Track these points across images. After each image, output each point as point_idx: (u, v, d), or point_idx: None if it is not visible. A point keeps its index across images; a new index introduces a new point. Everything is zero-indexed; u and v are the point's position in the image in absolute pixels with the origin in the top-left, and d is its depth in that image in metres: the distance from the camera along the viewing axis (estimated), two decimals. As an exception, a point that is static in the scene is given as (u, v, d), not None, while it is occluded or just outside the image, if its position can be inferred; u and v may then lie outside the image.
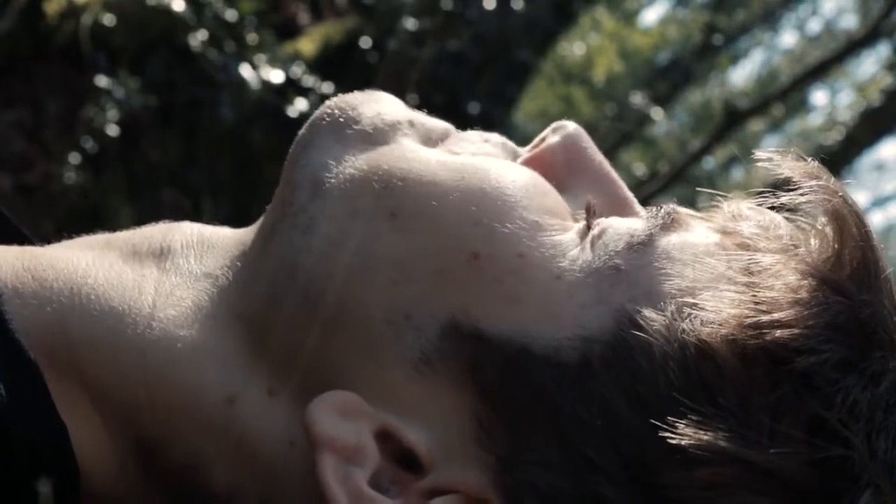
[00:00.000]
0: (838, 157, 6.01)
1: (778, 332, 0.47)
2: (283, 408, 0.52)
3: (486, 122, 4.73)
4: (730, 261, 0.50)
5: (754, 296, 0.48)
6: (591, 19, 8.28)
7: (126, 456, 0.51)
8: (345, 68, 4.29)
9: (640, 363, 0.48)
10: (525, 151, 0.59)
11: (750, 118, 6.63)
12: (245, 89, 3.59)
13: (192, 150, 3.99)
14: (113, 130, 3.61)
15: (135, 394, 0.52)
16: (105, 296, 0.54)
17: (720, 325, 0.48)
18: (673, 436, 0.45)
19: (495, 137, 0.59)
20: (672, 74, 9.31)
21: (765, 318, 0.47)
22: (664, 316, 0.48)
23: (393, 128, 0.57)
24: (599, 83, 9.02)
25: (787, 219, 0.52)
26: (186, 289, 0.55)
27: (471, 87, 4.88)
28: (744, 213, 0.52)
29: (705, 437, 0.45)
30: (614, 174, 0.57)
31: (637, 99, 8.24)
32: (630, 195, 0.57)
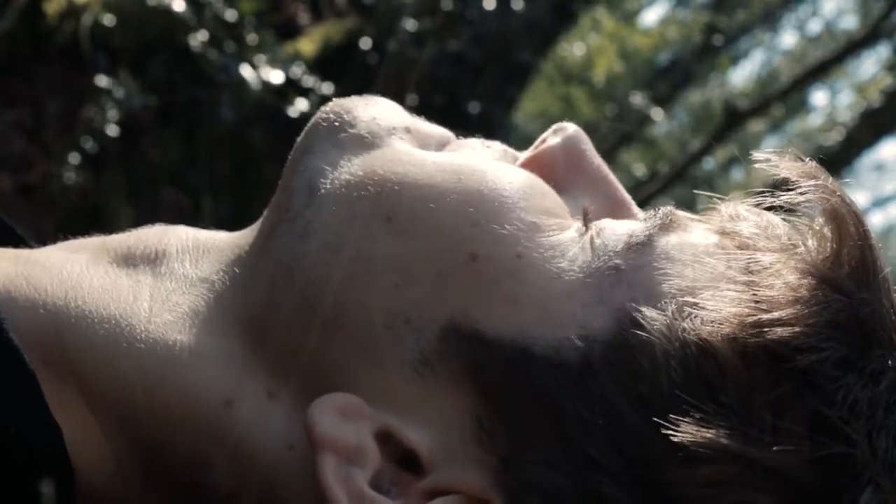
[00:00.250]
0: (838, 158, 6.01)
1: (779, 331, 0.47)
2: (283, 410, 0.52)
3: (487, 123, 4.74)
4: (729, 260, 0.51)
5: (754, 294, 0.49)
6: (591, 20, 8.28)
7: (124, 457, 0.51)
8: (345, 69, 4.30)
9: (642, 362, 0.48)
10: (525, 154, 0.59)
11: (750, 119, 6.63)
12: (245, 89, 3.59)
13: (192, 150, 3.99)
14: (113, 130, 3.62)
15: (133, 396, 0.52)
16: (100, 301, 0.54)
17: (721, 323, 0.48)
18: (675, 434, 0.46)
19: (497, 145, 0.59)
20: (672, 75, 9.31)
21: (765, 316, 0.48)
22: (665, 315, 0.49)
23: (388, 132, 0.57)
24: (599, 83, 9.02)
25: (784, 219, 0.52)
26: (182, 294, 0.55)
27: (471, 88, 4.88)
28: (741, 214, 0.53)
29: (707, 435, 0.45)
30: (612, 177, 0.58)
31: (637, 99, 8.24)
32: (628, 197, 0.57)
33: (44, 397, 0.49)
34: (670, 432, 0.46)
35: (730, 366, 0.47)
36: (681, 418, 0.46)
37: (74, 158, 3.68)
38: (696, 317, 0.48)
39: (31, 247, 0.60)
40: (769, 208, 0.53)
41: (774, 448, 0.46)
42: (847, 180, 0.54)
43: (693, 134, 9.65)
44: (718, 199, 0.55)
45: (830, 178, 0.52)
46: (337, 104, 0.59)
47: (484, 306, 0.50)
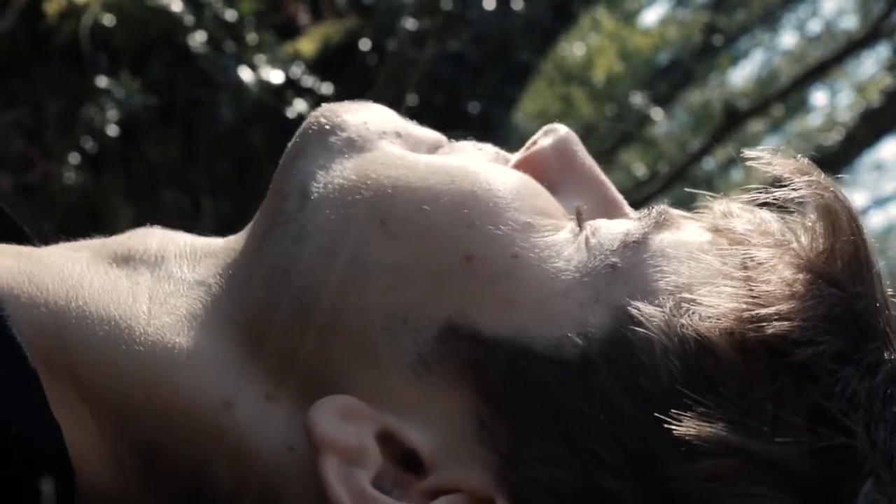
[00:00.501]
0: (838, 158, 6.02)
1: (776, 325, 0.48)
2: (282, 413, 0.52)
3: (486, 123, 4.74)
4: (725, 257, 0.51)
5: (751, 290, 0.49)
6: (591, 20, 8.28)
7: (123, 458, 0.52)
8: (344, 69, 4.30)
9: (641, 358, 0.48)
10: (517, 155, 0.59)
11: (750, 119, 6.63)
12: (244, 90, 3.59)
13: (192, 150, 3.99)
14: (113, 130, 3.62)
15: (132, 397, 0.52)
16: (101, 302, 0.54)
17: (719, 319, 0.48)
18: (676, 428, 0.46)
19: (489, 147, 0.60)
20: (672, 75, 9.31)
21: (762, 311, 0.48)
22: (663, 311, 0.49)
23: (379, 136, 0.57)
24: (599, 83, 9.01)
25: (778, 216, 0.52)
26: (180, 296, 0.55)
27: (471, 88, 4.88)
28: (734, 211, 0.53)
29: (708, 429, 0.46)
30: (604, 177, 0.58)
31: (637, 99, 8.24)
32: (620, 197, 0.58)
33: (45, 396, 0.49)
34: (671, 427, 0.46)
35: (729, 360, 0.47)
36: (681, 413, 0.46)
37: (74, 158, 3.68)
38: (693, 313, 0.49)
39: (34, 244, 0.60)
40: (763, 205, 0.53)
41: (775, 440, 0.46)
42: (846, 179, 0.54)
43: (693, 134, 9.66)
44: (712, 197, 0.55)
45: (823, 175, 0.52)
46: (327, 108, 0.59)
47: (481, 306, 0.51)
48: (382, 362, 0.51)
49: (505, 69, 5.13)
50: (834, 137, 6.51)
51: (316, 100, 3.50)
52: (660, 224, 0.53)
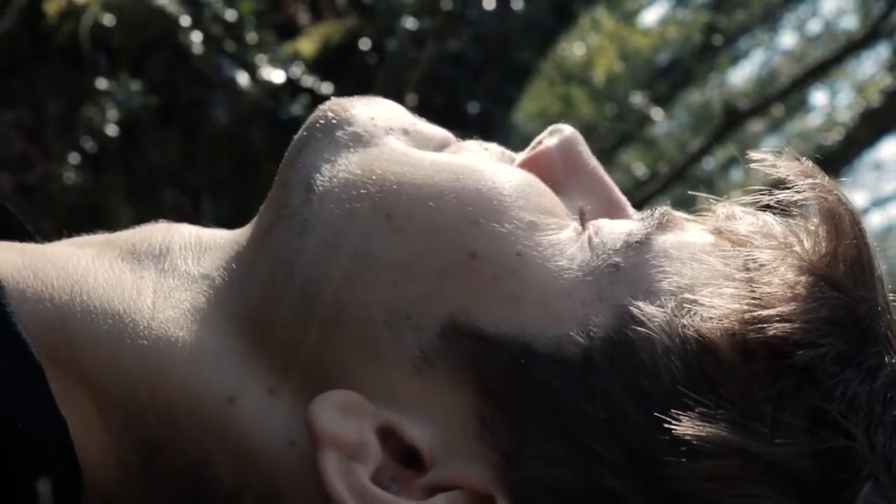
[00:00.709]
0: (838, 158, 6.02)
1: (777, 327, 0.48)
2: (284, 407, 0.52)
3: (486, 123, 4.74)
4: (727, 258, 0.51)
5: (753, 291, 0.49)
6: (590, 20, 8.27)
7: (127, 454, 0.52)
8: (344, 68, 4.30)
9: (643, 358, 0.48)
10: (522, 155, 0.60)
11: (750, 118, 6.63)
12: (240, 90, 3.59)
13: (192, 150, 3.99)
14: (113, 130, 3.61)
15: (136, 392, 0.52)
16: (105, 296, 0.54)
17: (720, 320, 0.48)
18: (677, 428, 0.46)
19: (494, 147, 0.60)
20: (672, 75, 9.31)
21: (764, 312, 0.48)
22: (664, 312, 0.49)
23: (386, 132, 0.57)
24: (599, 83, 9.01)
25: (780, 218, 0.52)
26: (184, 290, 0.55)
27: (471, 88, 4.88)
28: (737, 213, 0.53)
29: (709, 430, 0.46)
30: (608, 178, 0.58)
31: (637, 99, 8.25)
32: (623, 198, 0.58)
33: (51, 392, 0.49)
34: (672, 426, 0.46)
35: (730, 361, 0.47)
36: (682, 413, 0.46)
37: (74, 158, 3.68)
38: (695, 313, 0.49)
39: (37, 241, 0.60)
40: (766, 207, 0.53)
41: (776, 441, 0.46)
42: (846, 180, 0.54)
43: (693, 134, 9.66)
44: (715, 199, 0.55)
45: (827, 177, 0.52)
46: (335, 102, 0.59)
47: (484, 304, 0.51)
48: (384, 357, 0.51)
49: (505, 69, 5.13)
50: (834, 137, 6.51)
51: (316, 100, 3.50)
52: (662, 225, 0.53)
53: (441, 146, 0.59)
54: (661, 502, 0.47)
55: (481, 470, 0.49)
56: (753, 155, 0.54)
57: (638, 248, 0.52)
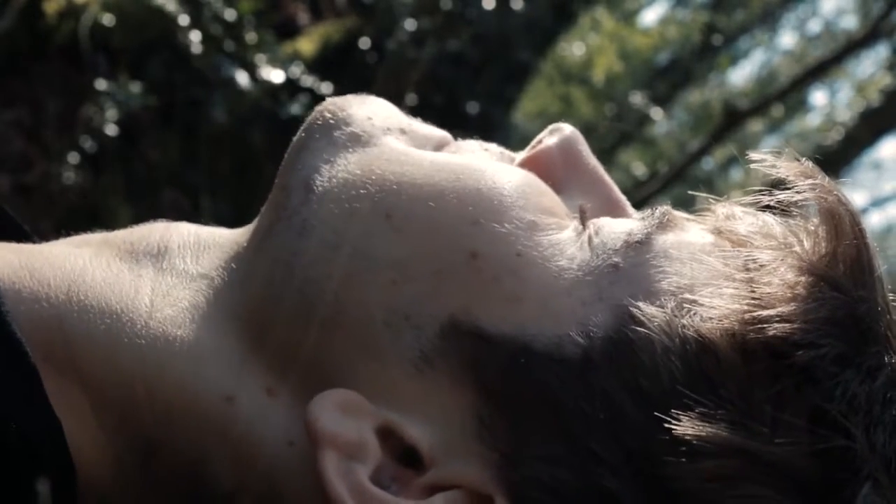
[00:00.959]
0: (837, 157, 6.02)
1: (777, 327, 0.48)
2: (283, 407, 0.52)
3: (486, 123, 4.74)
4: (727, 258, 0.51)
5: (753, 292, 0.49)
6: (590, 19, 8.27)
7: (123, 453, 0.51)
8: (344, 68, 4.29)
9: (642, 358, 0.48)
10: (522, 154, 0.60)
11: (749, 118, 6.64)
12: (239, 91, 3.59)
13: (192, 150, 3.98)
14: (112, 130, 3.61)
15: (133, 391, 0.52)
16: (102, 295, 0.54)
17: (720, 320, 0.48)
18: (676, 428, 0.46)
19: (494, 147, 0.60)
20: (671, 74, 9.31)
21: (764, 313, 0.48)
22: (664, 312, 0.49)
23: (384, 131, 0.57)
24: (599, 83, 9.01)
25: (780, 219, 0.52)
26: (183, 289, 0.55)
27: (470, 88, 4.88)
28: (737, 214, 0.54)
29: (709, 430, 0.46)
30: (608, 177, 0.58)
31: (636, 99, 8.25)
32: (623, 198, 0.58)
33: (45, 392, 0.49)
34: (671, 426, 0.46)
35: (729, 361, 0.47)
36: (682, 413, 0.46)
37: (73, 158, 3.68)
38: (695, 313, 0.49)
39: (34, 242, 0.60)
40: (766, 208, 0.53)
41: (776, 441, 0.46)
42: (845, 180, 0.54)
43: (692, 134, 9.66)
44: (714, 199, 0.55)
45: (827, 178, 0.52)
46: (332, 102, 0.59)
47: (485, 304, 0.51)
48: (384, 357, 0.51)
49: (504, 69, 5.13)
50: (833, 137, 6.50)
51: (315, 99, 3.50)
52: (663, 225, 0.53)
53: (439, 146, 0.59)
54: (661, 503, 0.47)
55: (480, 469, 0.49)
56: (753, 155, 0.54)
57: (638, 247, 0.52)
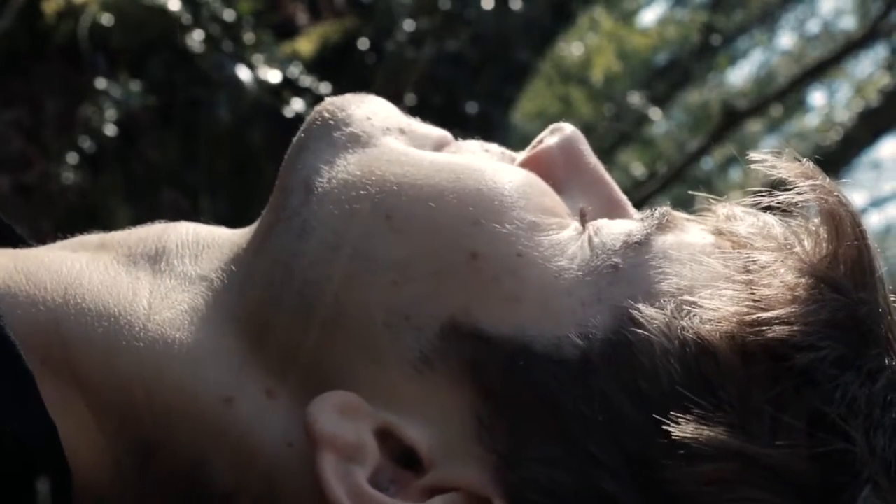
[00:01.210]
0: (836, 158, 6.02)
1: (777, 329, 0.48)
2: (282, 409, 0.52)
3: (485, 123, 4.74)
4: (727, 260, 0.51)
5: (752, 293, 0.49)
6: (589, 19, 8.27)
7: (122, 455, 0.51)
8: (343, 69, 4.29)
9: (641, 360, 0.48)
10: (523, 154, 0.59)
11: (748, 118, 6.63)
12: (242, 90, 3.59)
13: (191, 150, 3.98)
14: (111, 130, 3.61)
15: (132, 394, 0.51)
16: (100, 298, 0.53)
17: (720, 322, 0.48)
18: (675, 431, 0.46)
19: (495, 147, 0.60)
20: (670, 75, 9.31)
21: (764, 315, 0.48)
22: (664, 313, 0.49)
23: (383, 131, 0.57)
24: (598, 83, 9.01)
25: (781, 220, 0.52)
26: (182, 291, 0.55)
27: (469, 88, 4.88)
28: (737, 214, 0.53)
29: (707, 433, 0.46)
30: (609, 177, 0.58)
31: (635, 99, 8.25)
32: (624, 198, 0.58)
33: (40, 396, 0.49)
34: (670, 429, 0.46)
35: (729, 364, 0.47)
36: (681, 415, 0.46)
37: (73, 158, 3.67)
38: (694, 315, 0.49)
39: (30, 246, 0.60)
40: (766, 208, 0.53)
41: (775, 445, 0.46)
42: (845, 180, 0.54)
43: (691, 134, 9.65)
44: (714, 199, 0.55)
45: (827, 179, 0.52)
46: (331, 102, 0.59)
47: (484, 304, 0.51)
48: (384, 358, 0.51)
49: (503, 69, 5.13)
50: (832, 137, 6.51)
51: (314, 99, 3.50)
52: (662, 225, 0.53)
53: (438, 145, 0.59)
54: None
55: (479, 471, 0.49)
56: (754, 156, 0.54)
57: (637, 248, 0.52)
